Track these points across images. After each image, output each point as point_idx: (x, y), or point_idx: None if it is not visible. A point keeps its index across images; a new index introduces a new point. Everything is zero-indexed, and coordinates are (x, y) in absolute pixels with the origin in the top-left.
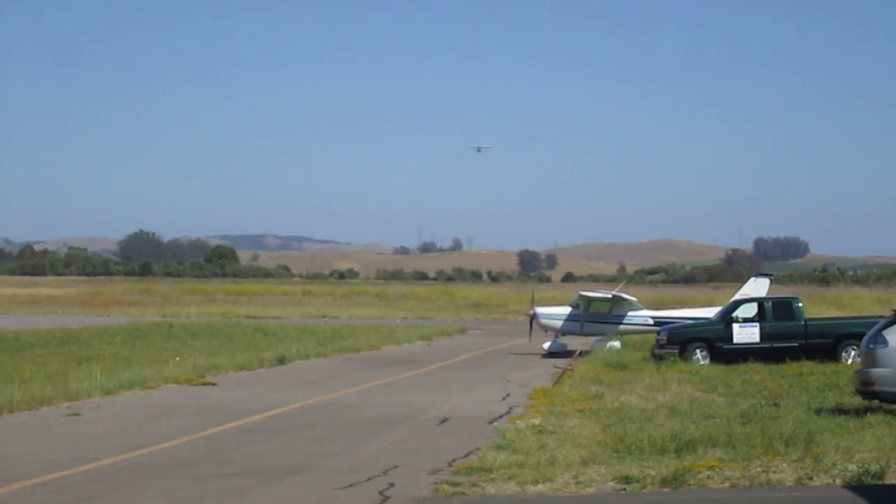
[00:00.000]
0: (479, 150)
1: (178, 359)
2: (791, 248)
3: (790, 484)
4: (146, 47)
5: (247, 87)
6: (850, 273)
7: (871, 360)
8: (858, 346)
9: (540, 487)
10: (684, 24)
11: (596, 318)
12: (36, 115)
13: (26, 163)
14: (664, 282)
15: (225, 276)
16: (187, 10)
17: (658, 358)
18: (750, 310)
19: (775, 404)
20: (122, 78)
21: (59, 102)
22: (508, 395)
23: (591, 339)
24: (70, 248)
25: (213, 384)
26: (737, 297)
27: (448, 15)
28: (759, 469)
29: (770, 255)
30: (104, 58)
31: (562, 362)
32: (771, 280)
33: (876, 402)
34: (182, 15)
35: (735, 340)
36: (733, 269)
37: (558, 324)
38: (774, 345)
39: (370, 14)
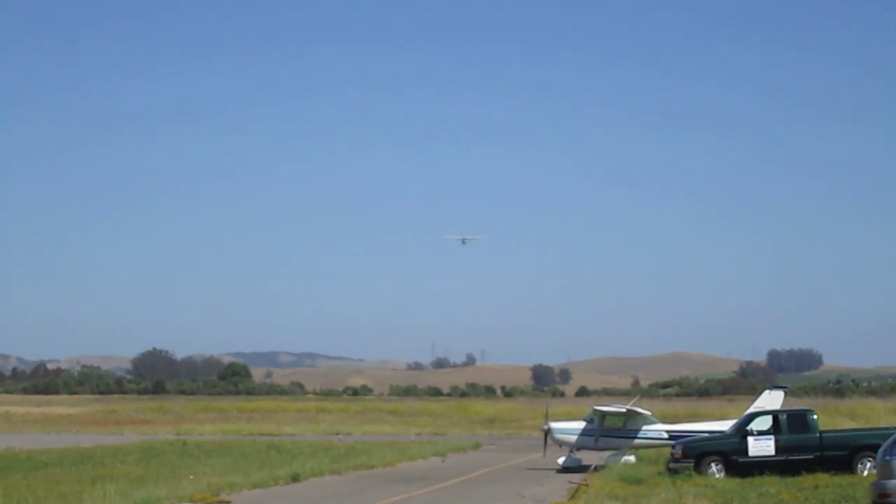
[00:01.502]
0: (463, 241)
1: (192, 477)
2: (805, 359)
3: None
4: (155, 160)
5: (256, 202)
6: (865, 384)
7: (887, 471)
8: (874, 458)
9: None
10: (695, 124)
11: (610, 432)
12: (47, 233)
13: (38, 281)
14: (678, 395)
15: (238, 393)
16: (199, 126)
17: (673, 472)
18: (765, 422)
19: None
20: (131, 193)
21: (69, 221)
22: None
23: (606, 454)
24: (83, 366)
25: (228, 502)
26: (751, 409)
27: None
28: None
29: (784, 367)
30: (109, 172)
31: (577, 477)
32: (785, 392)
33: None
34: (192, 132)
35: (750, 453)
36: (747, 381)
37: (573, 438)
38: (790, 457)
39: (378, 118)
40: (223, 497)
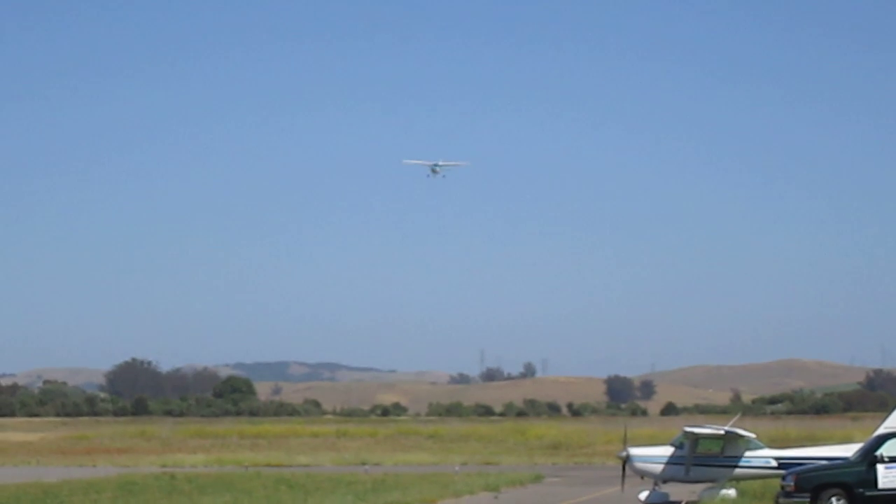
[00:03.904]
0: (434, 170)
1: None
2: None
3: None
4: (136, 159)
5: (259, 182)
6: None
7: None
8: None
9: None
10: (813, 115)
11: (705, 459)
12: (4, 214)
13: None
14: (789, 413)
15: (239, 414)
16: (196, 122)
17: None
18: None
19: None
20: (105, 182)
21: (35, 206)
22: None
23: (700, 487)
24: (45, 381)
25: None
26: (881, 430)
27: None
28: None
29: None
30: (84, 164)
31: None
32: None
33: None
34: (189, 129)
35: (880, 485)
36: (876, 395)
37: (658, 468)
38: None
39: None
40: None
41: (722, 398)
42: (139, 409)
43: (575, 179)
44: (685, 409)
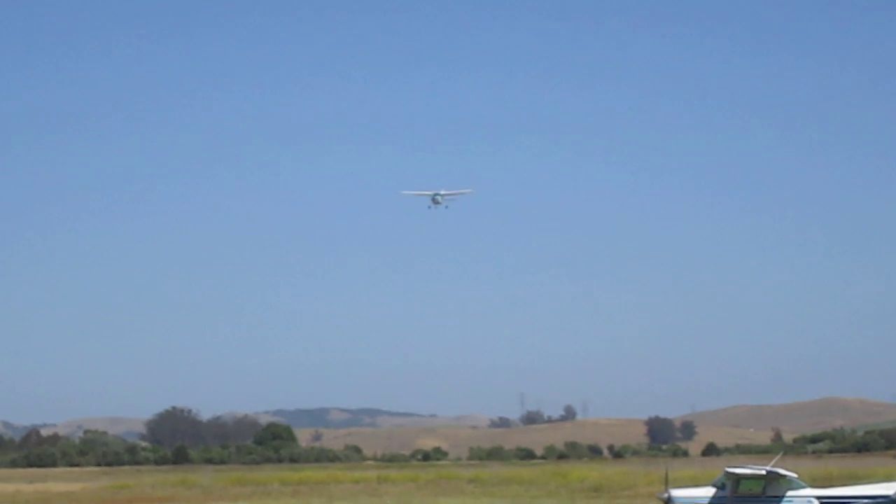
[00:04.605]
0: (435, 200)
1: None
2: None
3: None
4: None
5: (298, 232)
6: None
7: None
8: None
9: None
10: (848, 151)
11: (747, 500)
12: (42, 264)
13: (28, 328)
14: (831, 451)
15: (280, 461)
16: (231, 159)
17: None
18: None
19: None
20: (143, 233)
21: (74, 257)
22: None
23: None
24: (86, 431)
25: None
26: None
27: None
28: None
29: None
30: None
31: None
32: None
33: None
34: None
35: None
36: None
37: None
38: None
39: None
40: None
41: (763, 438)
42: (180, 458)
43: (614, 221)
44: (726, 450)
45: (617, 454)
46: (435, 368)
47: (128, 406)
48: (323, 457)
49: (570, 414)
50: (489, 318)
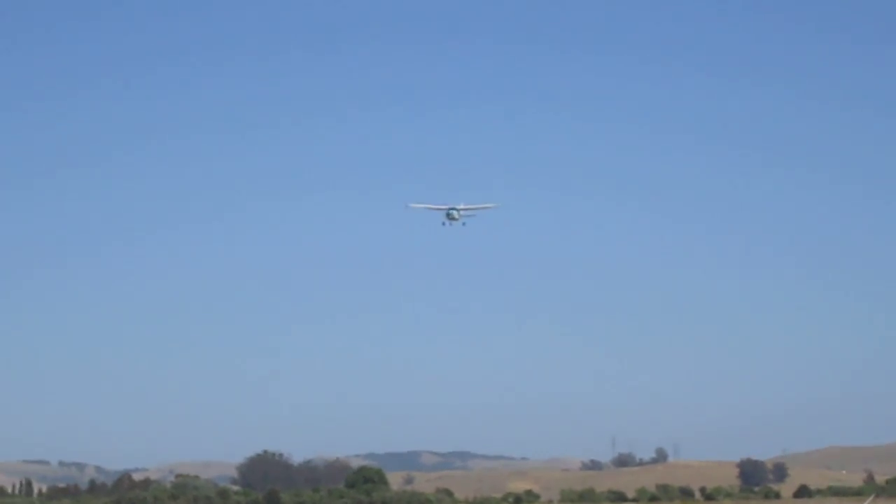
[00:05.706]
0: (450, 216)
1: None
2: None
3: None
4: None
5: (381, 266)
6: None
7: None
8: None
9: None
10: None
11: None
12: (124, 312)
13: (120, 375)
14: None
15: None
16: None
17: None
18: None
19: None
20: (229, 278)
21: (159, 302)
22: None
23: None
24: (177, 475)
25: None
26: None
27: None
28: None
29: None
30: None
31: None
32: None
33: None
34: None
35: None
36: None
37: None
38: None
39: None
40: None
41: (856, 479)
42: (271, 502)
43: (710, 266)
44: (819, 492)
45: (709, 496)
46: (526, 410)
47: (219, 450)
48: (415, 500)
49: (661, 456)
50: (580, 359)
